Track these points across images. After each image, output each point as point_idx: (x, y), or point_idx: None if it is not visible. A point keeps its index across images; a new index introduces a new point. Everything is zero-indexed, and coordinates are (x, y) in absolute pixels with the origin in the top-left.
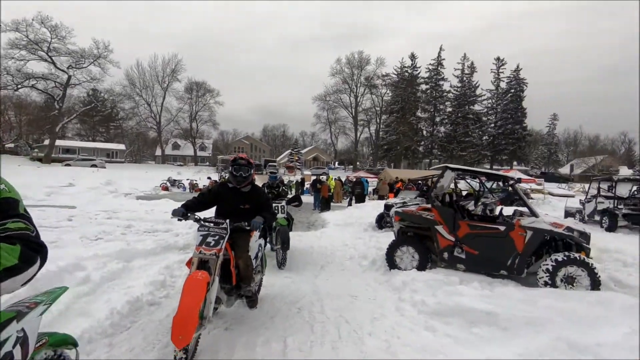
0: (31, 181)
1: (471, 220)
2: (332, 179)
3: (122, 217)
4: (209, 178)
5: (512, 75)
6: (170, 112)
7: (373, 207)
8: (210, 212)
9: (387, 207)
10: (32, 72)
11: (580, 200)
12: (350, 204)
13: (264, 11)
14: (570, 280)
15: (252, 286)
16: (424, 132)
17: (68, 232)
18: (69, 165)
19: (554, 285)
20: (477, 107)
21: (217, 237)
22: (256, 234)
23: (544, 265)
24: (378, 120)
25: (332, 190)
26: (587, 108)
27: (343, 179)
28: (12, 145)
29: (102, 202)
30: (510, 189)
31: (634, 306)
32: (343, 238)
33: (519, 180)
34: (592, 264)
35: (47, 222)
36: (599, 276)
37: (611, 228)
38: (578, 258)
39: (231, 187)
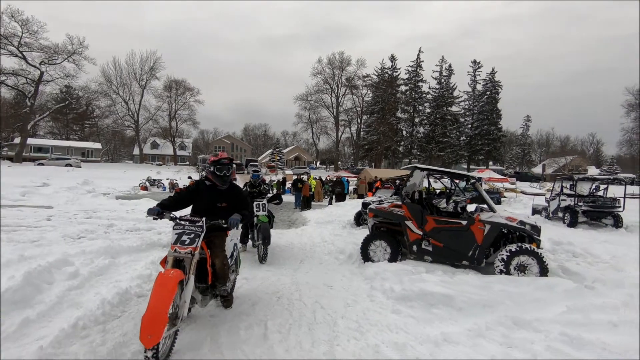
0: (3, 181)
1: (437, 216)
2: (312, 178)
3: (102, 217)
4: (189, 178)
5: (487, 78)
6: (149, 111)
7: (352, 206)
8: (187, 211)
9: (365, 206)
10: (1, 67)
11: (545, 198)
12: (330, 203)
13: (242, 9)
14: (522, 268)
15: (227, 285)
16: (404, 133)
17: (49, 232)
18: (42, 164)
19: (508, 272)
20: (454, 109)
21: (192, 235)
22: (231, 233)
23: (499, 255)
24: (359, 121)
25: (312, 190)
26: (559, 110)
27: (324, 179)
28: None
29: (80, 202)
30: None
31: (573, 289)
32: (322, 235)
33: (480, 179)
34: (541, 253)
35: (25, 222)
36: (547, 264)
37: (572, 224)
38: (529, 248)
39: (209, 185)
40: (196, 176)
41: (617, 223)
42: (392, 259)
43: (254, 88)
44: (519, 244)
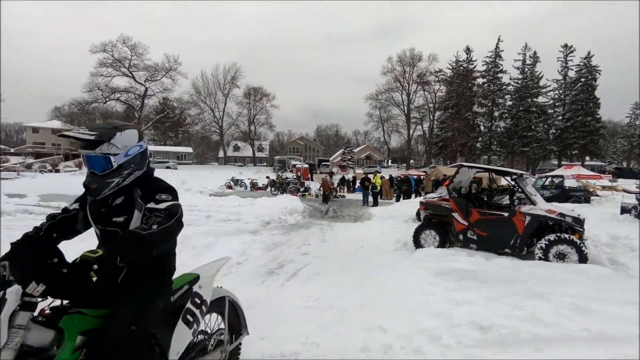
0: None
1: (481, 208)
2: (379, 177)
3: (202, 210)
4: (267, 177)
5: (582, 63)
6: (231, 117)
7: (416, 203)
8: None
9: None
10: (116, 86)
11: (636, 196)
12: (397, 200)
13: (311, 10)
14: (561, 256)
15: None
16: (482, 128)
17: None
18: None
19: (546, 259)
20: (541, 99)
21: None
22: None
23: (539, 244)
24: (431, 117)
25: (378, 188)
26: None
27: (395, 177)
28: None
29: (182, 199)
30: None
31: (605, 275)
32: (383, 228)
33: (521, 176)
34: (579, 242)
35: None
36: (586, 252)
37: None
38: (567, 238)
39: None
40: (273, 176)
41: None
42: (441, 245)
43: (322, 88)
44: (558, 234)
